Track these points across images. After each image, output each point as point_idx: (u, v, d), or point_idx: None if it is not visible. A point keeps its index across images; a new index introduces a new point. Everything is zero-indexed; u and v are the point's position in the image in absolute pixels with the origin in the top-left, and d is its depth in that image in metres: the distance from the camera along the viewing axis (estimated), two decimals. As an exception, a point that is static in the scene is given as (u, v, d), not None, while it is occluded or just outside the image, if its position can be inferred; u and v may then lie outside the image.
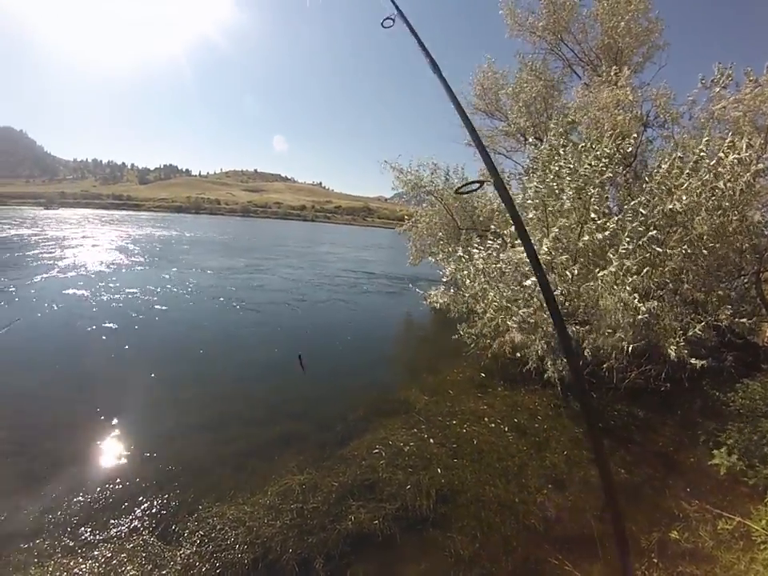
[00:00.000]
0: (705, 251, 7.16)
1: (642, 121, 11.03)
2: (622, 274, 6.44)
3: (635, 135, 10.53)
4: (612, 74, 10.63)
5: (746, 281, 9.13)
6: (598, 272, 6.80)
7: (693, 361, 6.39)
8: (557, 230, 7.16)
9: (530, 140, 11.43)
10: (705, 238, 7.16)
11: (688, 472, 5.74)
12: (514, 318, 7.22)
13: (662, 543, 4.38)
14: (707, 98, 9.53)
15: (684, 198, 6.80)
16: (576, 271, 6.90)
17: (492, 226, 9.63)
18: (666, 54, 12.56)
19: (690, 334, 6.59)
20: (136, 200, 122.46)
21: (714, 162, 6.81)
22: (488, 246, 7.93)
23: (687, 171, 7.05)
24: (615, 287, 6.44)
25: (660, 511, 4.95)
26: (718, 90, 9.11)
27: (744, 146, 6.86)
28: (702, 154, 6.99)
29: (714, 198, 6.81)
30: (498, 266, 7.42)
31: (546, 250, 6.99)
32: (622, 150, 7.75)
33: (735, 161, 6.68)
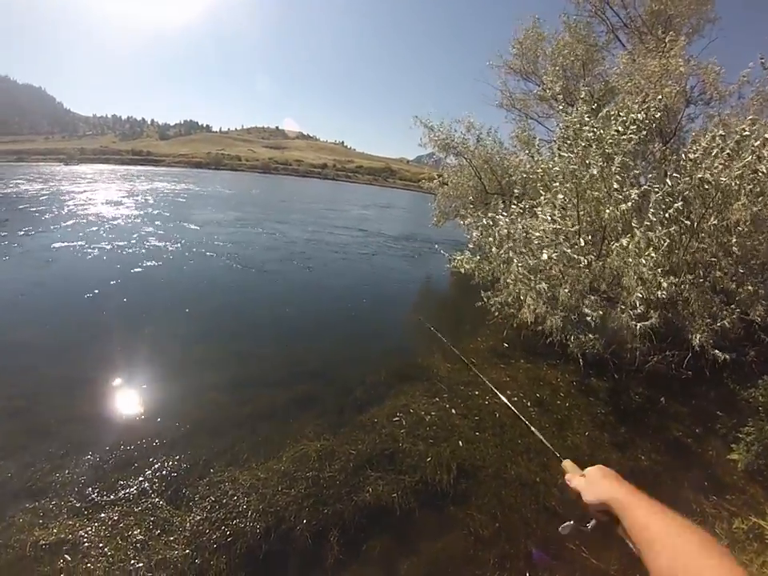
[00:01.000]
0: (741, 239, 6.93)
1: (685, 96, 10.56)
2: (643, 246, 6.22)
3: (675, 111, 10.14)
4: (667, 40, 9.99)
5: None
6: (614, 244, 6.58)
7: (716, 353, 6.25)
8: (561, 196, 6.93)
9: (561, 106, 11.05)
10: (741, 225, 6.90)
11: (705, 465, 5.64)
12: (531, 291, 7.06)
13: (679, 537, 4.36)
14: (761, 80, 9.07)
15: (721, 175, 6.48)
16: (602, 246, 6.71)
17: (515, 191, 9.34)
18: (717, 28, 11.95)
19: (719, 324, 6.43)
20: (156, 155, 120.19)
21: (759, 142, 6.47)
22: (511, 211, 7.68)
23: (728, 151, 6.71)
24: (636, 259, 6.23)
25: (678, 503, 4.80)
26: None
27: None
28: (745, 132, 6.65)
29: (755, 182, 6.50)
30: (524, 233, 7.20)
31: (552, 217, 6.82)
32: (649, 116, 7.34)
33: None
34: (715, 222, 6.65)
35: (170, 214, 22.43)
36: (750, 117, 7.11)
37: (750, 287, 7.11)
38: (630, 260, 6.16)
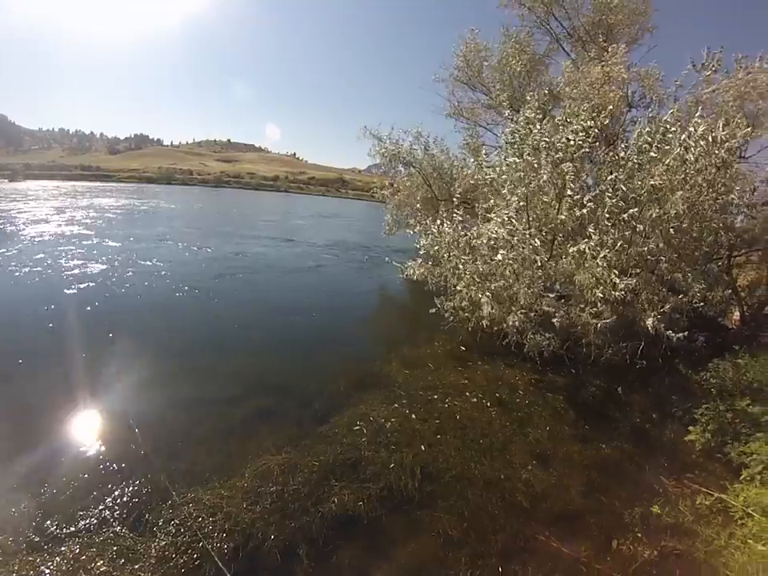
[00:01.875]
0: (679, 230, 7.25)
1: (627, 101, 11.05)
2: (598, 248, 6.45)
3: (618, 115, 10.60)
4: (609, 49, 10.57)
5: (719, 264, 9.38)
6: (570, 247, 6.78)
7: (669, 333, 6.51)
8: (516, 199, 7.13)
9: (507, 113, 11.34)
10: (681, 216, 7.20)
11: (665, 448, 5.89)
12: (487, 292, 7.17)
13: (644, 518, 4.48)
14: (695, 82, 9.56)
15: (659, 173, 6.81)
16: (553, 247, 6.91)
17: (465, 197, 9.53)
18: (655, 36, 12.69)
19: (668, 307, 6.67)
20: (106, 171, 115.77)
21: (685, 135, 6.83)
22: (455, 218, 7.83)
23: (656, 144, 7.05)
24: (590, 262, 6.44)
25: (641, 486, 5.07)
26: (708, 74, 9.14)
27: (720, 126, 6.89)
28: (668, 126, 7.02)
29: (687, 173, 6.82)
30: (467, 239, 7.35)
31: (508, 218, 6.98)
32: (599, 124, 7.65)
33: (705, 135, 6.70)
34: (656, 214, 6.93)
35: (102, 231, 21.12)
36: (671, 111, 7.47)
37: (692, 274, 7.43)
38: (587, 263, 6.35)
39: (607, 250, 6.40)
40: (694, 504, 4.63)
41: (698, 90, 9.51)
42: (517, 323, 7.33)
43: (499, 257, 6.80)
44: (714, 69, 9.16)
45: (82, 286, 11.29)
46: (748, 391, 6.09)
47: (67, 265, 13.42)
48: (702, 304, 7.27)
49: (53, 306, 9.58)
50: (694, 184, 6.98)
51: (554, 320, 6.98)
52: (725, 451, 5.41)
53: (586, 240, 6.57)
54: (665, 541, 4.15)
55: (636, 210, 6.72)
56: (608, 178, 7.19)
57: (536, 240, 6.83)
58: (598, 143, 9.65)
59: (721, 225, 8.36)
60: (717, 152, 6.79)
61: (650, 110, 10.67)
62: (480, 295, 7.29)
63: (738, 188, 8.32)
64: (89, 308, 9.70)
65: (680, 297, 7.44)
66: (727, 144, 6.84)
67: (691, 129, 6.91)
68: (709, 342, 8.05)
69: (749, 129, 7.71)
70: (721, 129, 6.83)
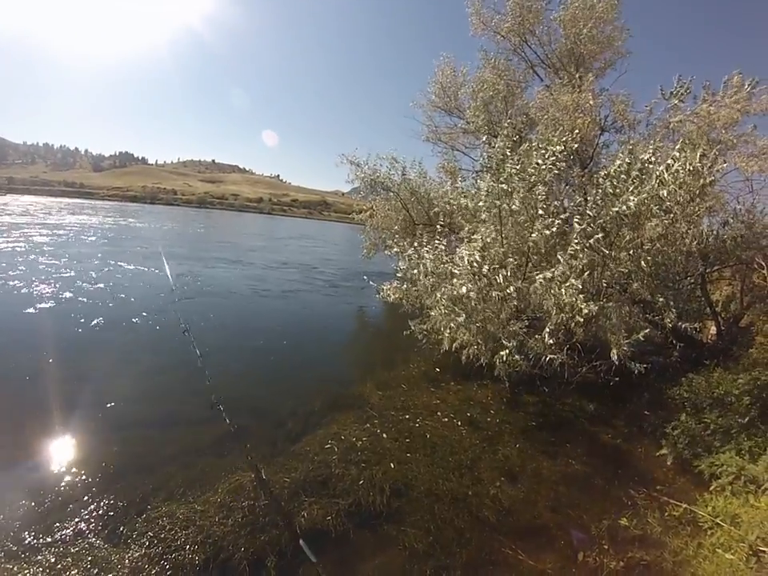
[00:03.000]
0: (652, 255, 7.40)
1: (599, 125, 11.32)
2: (568, 274, 6.55)
3: (591, 138, 10.86)
4: (577, 77, 10.86)
5: (692, 281, 9.56)
6: (537, 274, 6.88)
7: (635, 365, 6.50)
8: (479, 238, 7.23)
9: (484, 138, 11.56)
10: (653, 241, 7.36)
11: (636, 462, 5.98)
12: (457, 318, 7.22)
13: (612, 530, 4.54)
14: (665, 109, 9.86)
15: (632, 201, 6.96)
16: (527, 269, 7.01)
17: (439, 225, 9.65)
18: (627, 61, 12.85)
19: (634, 338, 6.73)
20: (89, 188, 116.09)
21: (662, 168, 6.99)
22: (435, 245, 7.92)
23: (633, 175, 7.22)
24: (556, 289, 6.53)
25: (610, 500, 5.14)
26: (675, 101, 9.42)
27: (698, 157, 7.08)
28: (650, 159, 7.19)
29: (660, 204, 6.98)
30: (446, 266, 7.43)
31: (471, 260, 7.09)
32: (568, 148, 7.84)
33: (683, 169, 6.87)
34: (628, 238, 7.06)
35: (70, 250, 20.23)
36: (652, 145, 7.67)
37: (661, 298, 7.55)
38: (553, 291, 6.45)
39: (573, 278, 6.47)
40: (662, 516, 4.68)
41: (666, 117, 9.79)
42: (482, 349, 7.39)
43: (463, 290, 6.84)
44: (681, 98, 9.43)
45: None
46: (719, 404, 6.20)
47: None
48: (676, 321, 7.34)
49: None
50: (668, 210, 7.12)
51: (511, 344, 7.01)
52: (695, 464, 5.50)
53: (553, 269, 6.66)
54: (632, 552, 4.20)
55: (602, 235, 6.83)
56: (578, 201, 7.36)
57: (499, 275, 6.92)
58: (571, 167, 9.90)
59: (694, 248, 8.56)
60: (691, 184, 6.94)
61: (621, 133, 11.03)
62: (448, 322, 7.32)
63: (705, 212, 8.60)
64: (68, 323, 9.79)
65: (652, 316, 7.54)
66: (702, 180, 7.00)
67: (669, 161, 7.06)
68: (684, 357, 8.12)
69: (724, 164, 7.92)
70: (697, 161, 7.02)
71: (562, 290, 6.39)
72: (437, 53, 14.58)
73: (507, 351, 7.03)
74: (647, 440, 6.41)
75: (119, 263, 17.95)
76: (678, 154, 7.12)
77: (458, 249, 7.82)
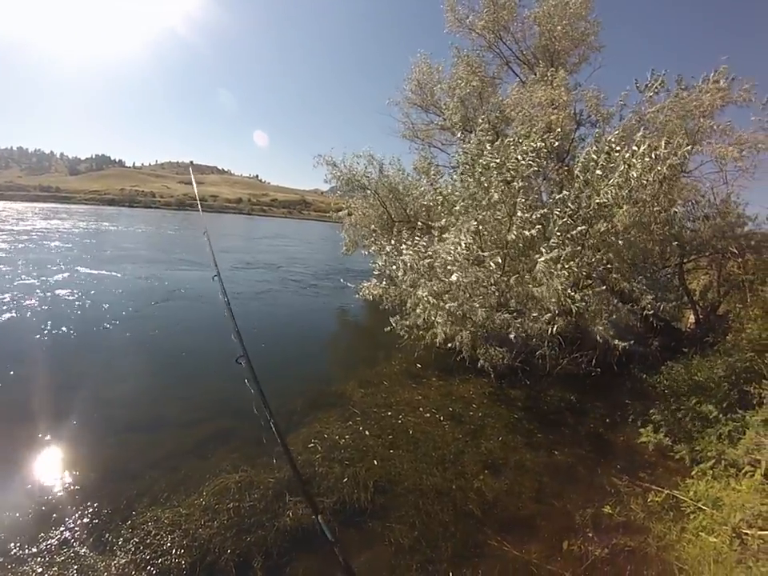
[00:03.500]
0: (627, 243, 7.50)
1: (575, 119, 11.44)
2: (557, 263, 6.61)
3: (567, 132, 10.95)
4: (549, 74, 11.01)
5: (669, 271, 9.71)
6: (532, 262, 6.95)
7: (616, 342, 6.65)
8: (475, 223, 7.26)
9: (459, 135, 11.61)
10: (628, 230, 7.45)
11: (618, 450, 6.05)
12: (440, 312, 7.23)
13: (595, 518, 4.58)
14: (639, 101, 10.02)
15: (604, 189, 7.04)
16: (506, 264, 7.05)
17: (420, 222, 9.68)
18: (601, 55, 13.11)
19: (614, 317, 6.80)
20: (66, 192, 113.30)
21: (629, 154, 7.10)
22: (415, 242, 7.94)
23: (601, 163, 7.31)
24: (550, 277, 6.58)
25: (593, 489, 5.20)
26: (650, 95, 9.59)
27: (663, 144, 7.21)
28: (614, 147, 7.29)
29: (631, 189, 7.06)
30: (427, 261, 7.44)
31: (466, 244, 7.09)
32: (548, 145, 7.92)
33: (647, 153, 6.97)
34: (603, 228, 7.14)
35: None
36: (615, 132, 7.80)
37: (643, 282, 7.64)
38: (552, 275, 6.50)
39: (568, 265, 6.54)
40: (645, 502, 4.73)
41: (641, 110, 9.92)
42: (469, 340, 7.43)
43: (454, 278, 6.88)
44: (656, 90, 9.58)
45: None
46: (698, 390, 6.27)
47: None
48: (655, 310, 7.42)
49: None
50: (638, 199, 7.22)
51: (510, 334, 7.06)
52: (676, 450, 5.54)
53: (546, 252, 6.72)
54: (616, 539, 4.23)
55: (584, 227, 6.92)
56: (557, 197, 7.44)
57: (491, 262, 6.96)
58: (547, 161, 9.98)
59: (668, 234, 8.68)
60: (659, 168, 7.04)
61: (596, 127, 11.14)
62: (434, 316, 7.34)
63: (680, 201, 8.77)
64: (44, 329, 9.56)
65: (631, 305, 7.63)
66: (669, 161, 7.12)
67: (634, 147, 7.17)
68: (664, 346, 8.23)
69: (689, 147, 8.03)
70: (663, 147, 7.14)
71: (556, 276, 6.46)
72: (415, 51, 14.48)
73: (489, 343, 7.11)
74: (629, 428, 6.45)
75: (85, 269, 17.34)
76: (641, 138, 7.27)
77: (439, 243, 7.83)
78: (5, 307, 11.05)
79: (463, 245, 7.10)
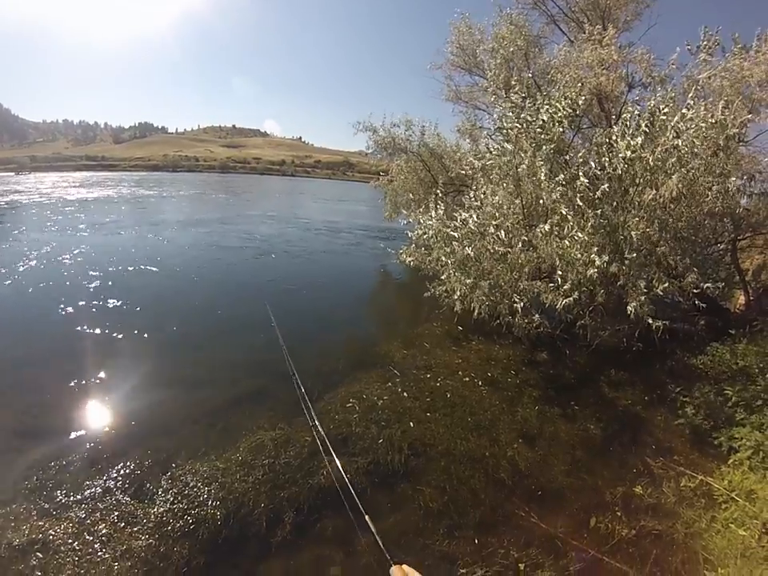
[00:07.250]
0: (677, 214, 7.17)
1: (626, 81, 10.81)
2: (572, 226, 6.40)
3: (618, 95, 10.43)
4: (596, 32, 10.32)
5: (721, 247, 9.26)
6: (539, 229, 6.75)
7: (650, 321, 6.29)
8: (502, 192, 7.09)
9: (493, 99, 11.15)
10: (675, 200, 7.06)
11: (655, 430, 5.87)
12: (466, 281, 7.13)
13: (626, 497, 4.52)
14: (692, 64, 9.29)
15: (647, 156, 6.64)
16: (546, 228, 6.85)
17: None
18: (655, 11, 12.08)
19: (653, 293, 6.51)
20: (111, 160, 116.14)
21: (677, 118, 6.64)
22: (437, 207, 7.95)
23: (643, 126, 6.85)
24: (558, 242, 6.41)
25: (626, 467, 5.10)
26: (702, 56, 8.84)
27: (719, 108, 6.73)
28: (661, 109, 6.83)
29: (679, 158, 6.65)
30: (448, 229, 7.37)
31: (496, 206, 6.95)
32: (578, 105, 7.62)
33: (702, 120, 6.52)
34: (649, 197, 6.79)
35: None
36: (659, 96, 7.27)
37: (692, 258, 7.34)
38: (561, 243, 6.31)
39: (580, 232, 6.30)
40: (678, 486, 4.64)
41: (694, 73, 9.23)
42: (504, 309, 7.32)
43: (468, 251, 6.79)
44: (710, 52, 8.84)
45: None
46: (742, 376, 6.08)
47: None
48: (704, 287, 7.12)
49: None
50: (689, 168, 6.80)
51: (546, 300, 6.91)
52: (714, 436, 5.39)
53: (550, 220, 6.55)
54: (644, 521, 4.19)
55: (607, 186, 6.54)
56: (582, 160, 7.18)
57: (501, 231, 6.81)
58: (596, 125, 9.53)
59: (722, 209, 8.22)
60: (714, 136, 6.63)
61: (649, 89, 10.48)
62: (457, 281, 7.24)
63: (738, 173, 8.20)
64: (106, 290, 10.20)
65: (677, 280, 7.33)
66: (726, 131, 6.67)
67: (684, 110, 6.72)
68: (710, 326, 7.94)
69: (749, 115, 7.51)
70: (720, 113, 6.67)
71: (566, 241, 6.25)
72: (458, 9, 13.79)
73: (520, 310, 6.97)
74: (666, 408, 6.24)
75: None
76: (692, 102, 6.80)
77: (460, 211, 7.69)
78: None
79: (471, 223, 6.96)
